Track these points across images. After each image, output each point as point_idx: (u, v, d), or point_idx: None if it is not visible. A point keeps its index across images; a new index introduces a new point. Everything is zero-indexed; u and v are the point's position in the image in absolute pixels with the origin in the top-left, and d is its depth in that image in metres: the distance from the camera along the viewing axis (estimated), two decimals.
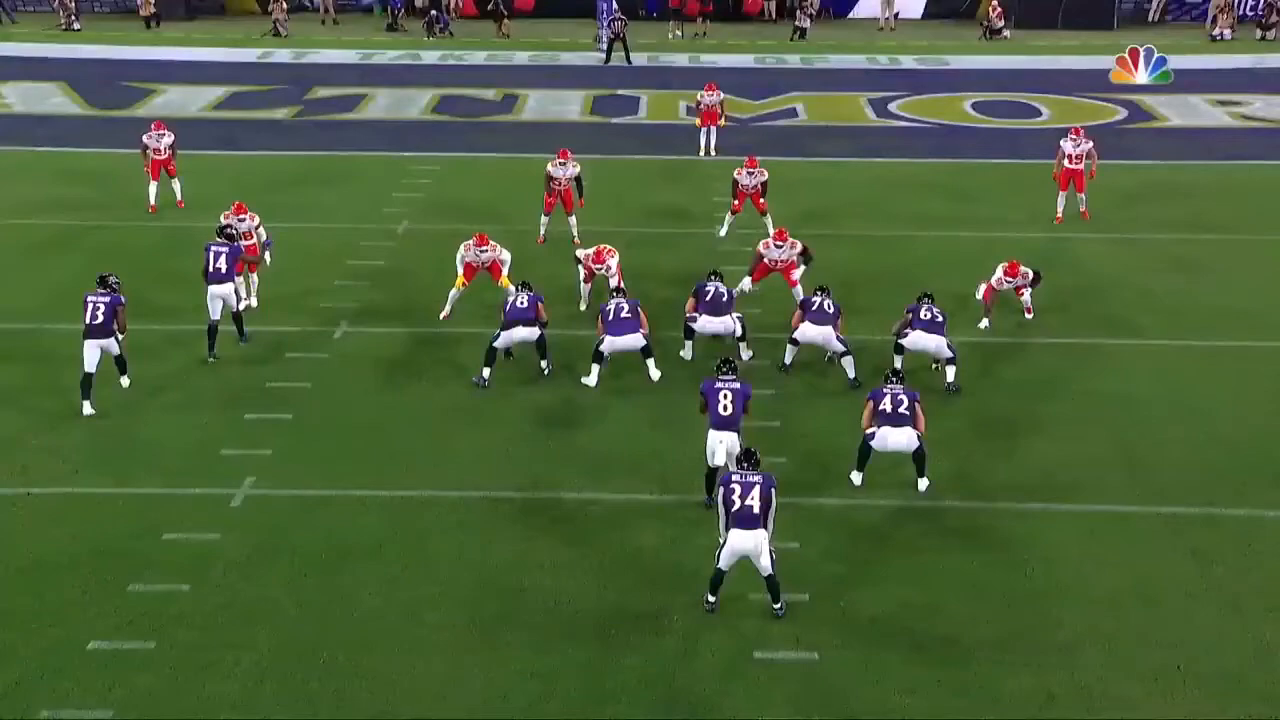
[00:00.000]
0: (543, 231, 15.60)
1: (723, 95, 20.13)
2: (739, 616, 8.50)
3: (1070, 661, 8.14)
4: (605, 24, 28.89)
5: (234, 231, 12.82)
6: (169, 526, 9.41)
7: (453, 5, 34.34)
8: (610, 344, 11.83)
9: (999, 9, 32.05)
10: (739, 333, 12.29)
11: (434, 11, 32.69)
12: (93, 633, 8.22)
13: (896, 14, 33.83)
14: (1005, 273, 13.22)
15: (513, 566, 9.05)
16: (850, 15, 35.13)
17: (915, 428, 9.86)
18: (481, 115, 23.59)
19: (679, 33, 32.19)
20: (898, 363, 11.68)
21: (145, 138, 16.97)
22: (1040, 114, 23.82)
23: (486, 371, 11.87)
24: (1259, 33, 31.94)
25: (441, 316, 13.25)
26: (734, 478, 8.33)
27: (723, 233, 16.05)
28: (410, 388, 11.92)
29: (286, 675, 7.89)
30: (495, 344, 11.90)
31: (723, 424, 9.53)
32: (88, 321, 11.14)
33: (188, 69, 27.25)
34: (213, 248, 12.29)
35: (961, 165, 20.25)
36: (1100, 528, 9.70)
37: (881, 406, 9.88)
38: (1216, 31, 31.85)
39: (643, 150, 20.96)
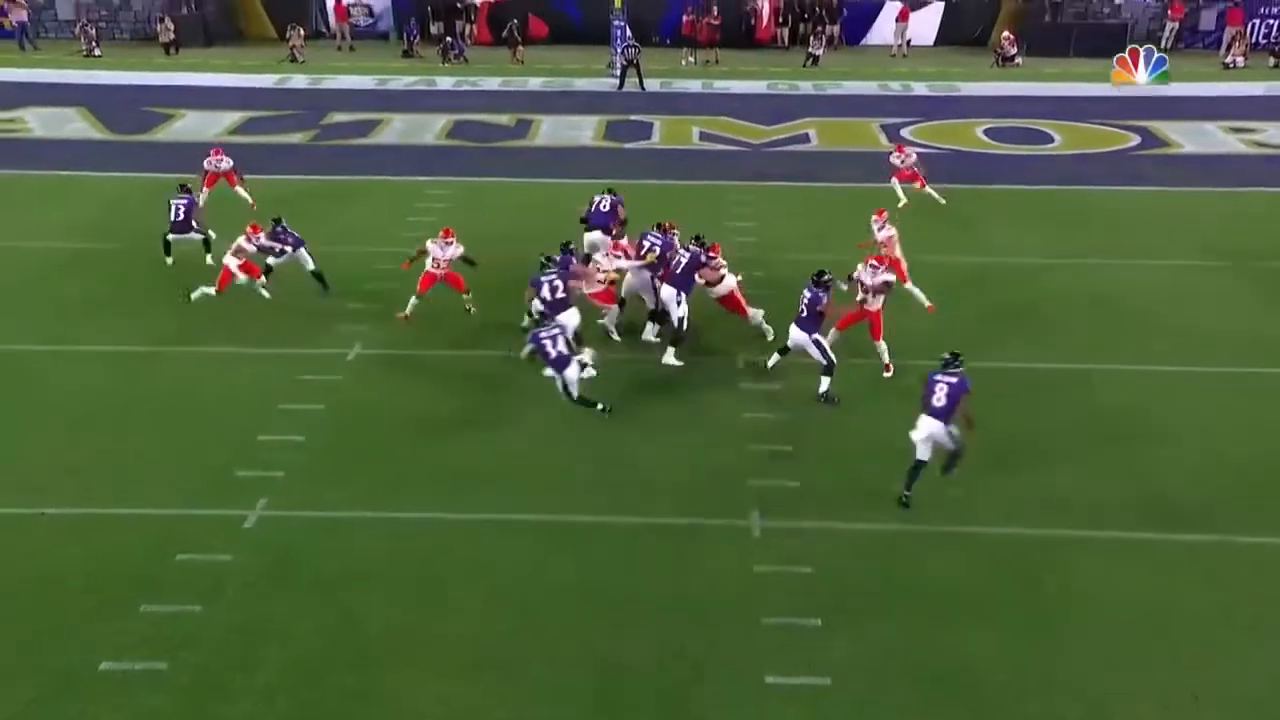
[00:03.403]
0: (409, 310, 13.82)
1: (913, 156, 18.89)
2: (751, 641, 8.48)
3: (1084, 688, 8.08)
4: (619, 50, 29.10)
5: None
6: (182, 547, 9.47)
7: (467, 32, 34.71)
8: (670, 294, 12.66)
9: (1011, 36, 32.21)
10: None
11: (449, 38, 33.02)
12: (105, 653, 8.26)
13: (909, 41, 33.99)
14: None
15: (523, 589, 9.07)
16: (863, 43, 35.34)
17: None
18: (495, 140, 23.74)
19: (691, 59, 32.40)
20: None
21: (205, 163, 17.83)
22: (1052, 140, 23.85)
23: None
24: (1272, 61, 31.97)
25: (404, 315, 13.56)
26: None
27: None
28: (422, 410, 11.98)
29: (297, 696, 7.90)
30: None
31: (933, 413, 9.96)
32: (171, 219, 14.94)
33: (206, 94, 27.56)
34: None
35: (971, 191, 20.26)
36: (1114, 553, 9.65)
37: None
38: (1229, 59, 31.89)
39: (656, 175, 21.03)
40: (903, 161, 18.74)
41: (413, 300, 13.76)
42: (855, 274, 12.49)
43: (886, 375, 12.60)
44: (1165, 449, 11.33)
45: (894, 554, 9.60)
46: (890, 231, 14.20)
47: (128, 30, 35.31)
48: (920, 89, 29.08)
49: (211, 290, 13.72)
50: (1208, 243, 17.40)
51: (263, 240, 14.14)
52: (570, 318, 12.28)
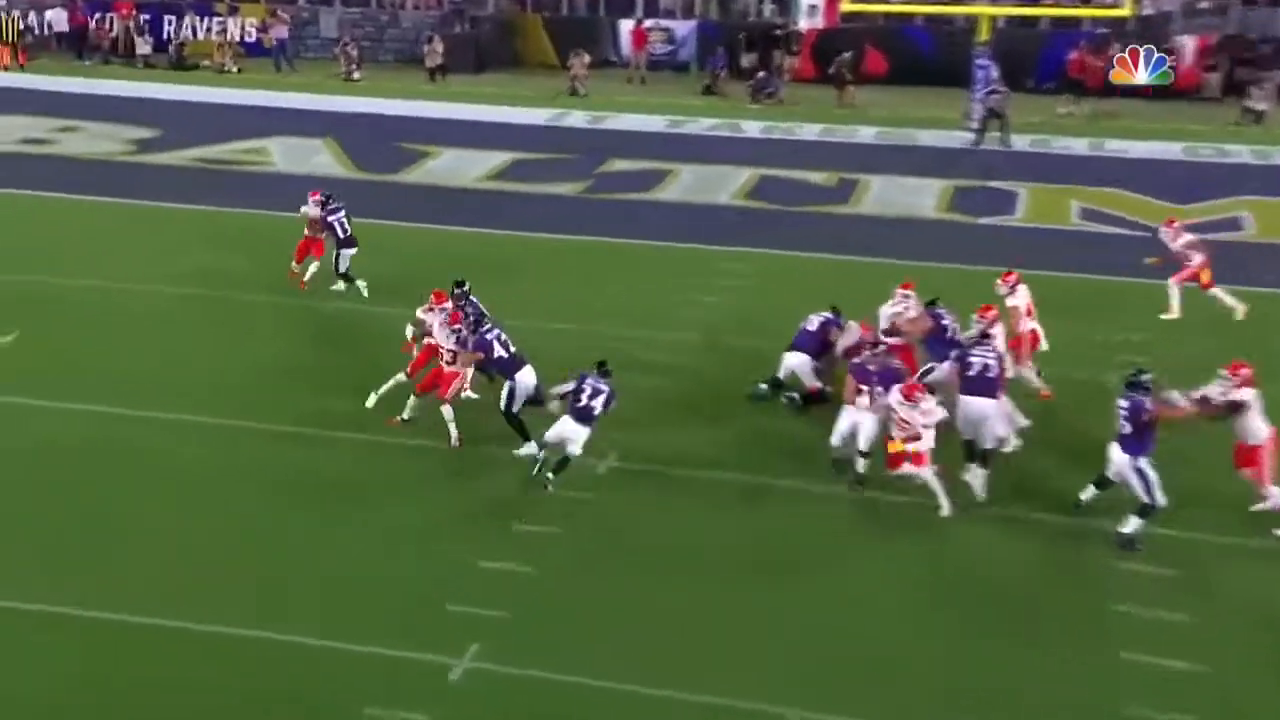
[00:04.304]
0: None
1: (1188, 237, 17.84)
2: None
3: None
4: (980, 95, 28.71)
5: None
6: (373, 698, 9.62)
7: (786, 66, 35.42)
8: (968, 409, 12.59)
9: None
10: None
11: (763, 73, 33.83)
12: None
13: None
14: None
15: None
16: None
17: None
18: (809, 204, 23.89)
19: (1075, 109, 31.50)
20: None
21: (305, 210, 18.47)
22: None
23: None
24: None
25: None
26: None
27: None
28: (684, 547, 11.84)
29: None
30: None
31: None
32: (341, 236, 17.90)
33: (468, 130, 29.64)
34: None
35: None
36: None
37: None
38: None
39: (1016, 261, 20.04)
40: (1172, 240, 17.55)
41: (449, 415, 13.59)
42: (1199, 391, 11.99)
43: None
44: None
45: None
46: (1021, 299, 14.66)
47: (392, 51, 38.84)
48: None
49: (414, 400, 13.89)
50: None
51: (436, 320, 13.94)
52: (528, 376, 13.32)
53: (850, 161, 26.82)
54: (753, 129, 30.21)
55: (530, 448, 13.10)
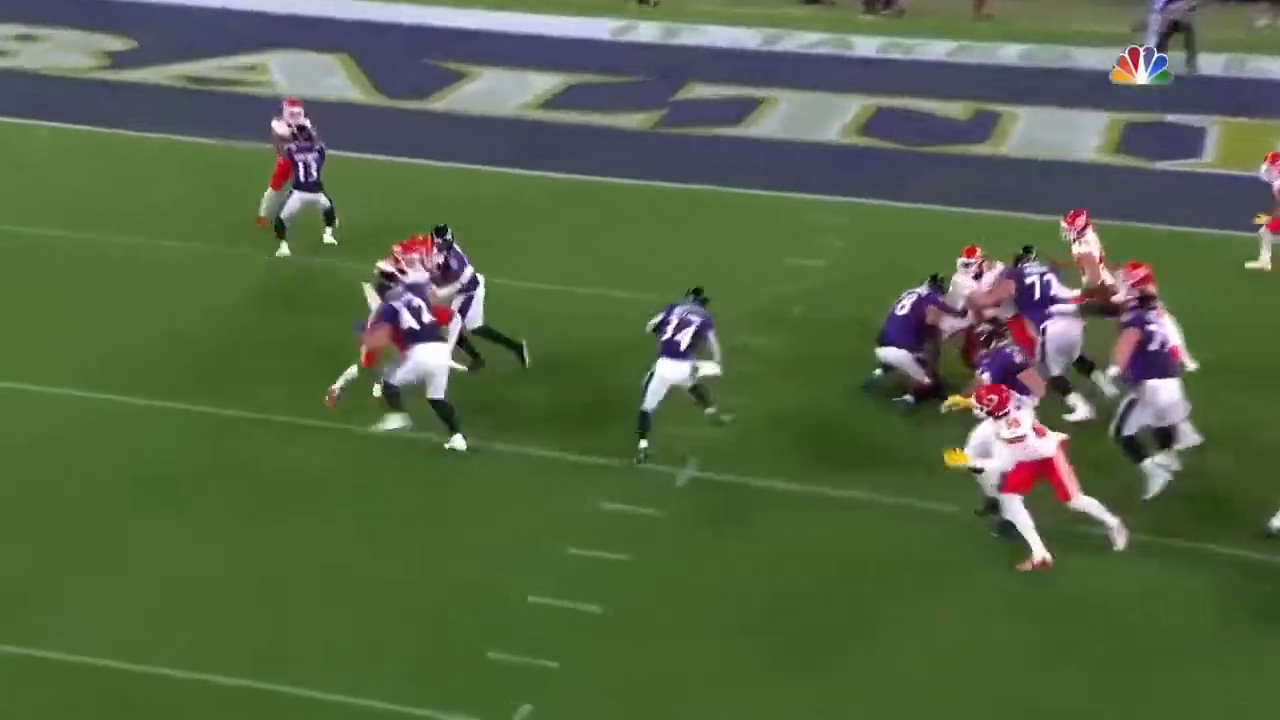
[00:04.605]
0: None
1: None
2: None
3: None
4: (1159, 4, 28.22)
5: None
6: None
7: None
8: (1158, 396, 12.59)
9: None
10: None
11: None
12: None
13: None
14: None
15: None
16: None
17: None
18: (938, 143, 23.73)
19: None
20: None
21: (277, 124, 18.94)
22: None
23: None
24: None
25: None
26: None
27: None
28: (777, 577, 11.73)
29: None
30: None
31: None
32: (302, 180, 18.12)
33: (514, 45, 29.45)
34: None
35: None
36: None
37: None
38: None
39: (1202, 219, 20.02)
40: (1274, 178, 18.14)
41: None
42: None
43: None
44: None
45: None
46: (1093, 246, 14.78)
47: None
48: None
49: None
50: None
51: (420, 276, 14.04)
52: (439, 356, 13.27)
53: (989, 88, 26.61)
54: (867, 47, 29.96)
55: (395, 421, 13.24)
